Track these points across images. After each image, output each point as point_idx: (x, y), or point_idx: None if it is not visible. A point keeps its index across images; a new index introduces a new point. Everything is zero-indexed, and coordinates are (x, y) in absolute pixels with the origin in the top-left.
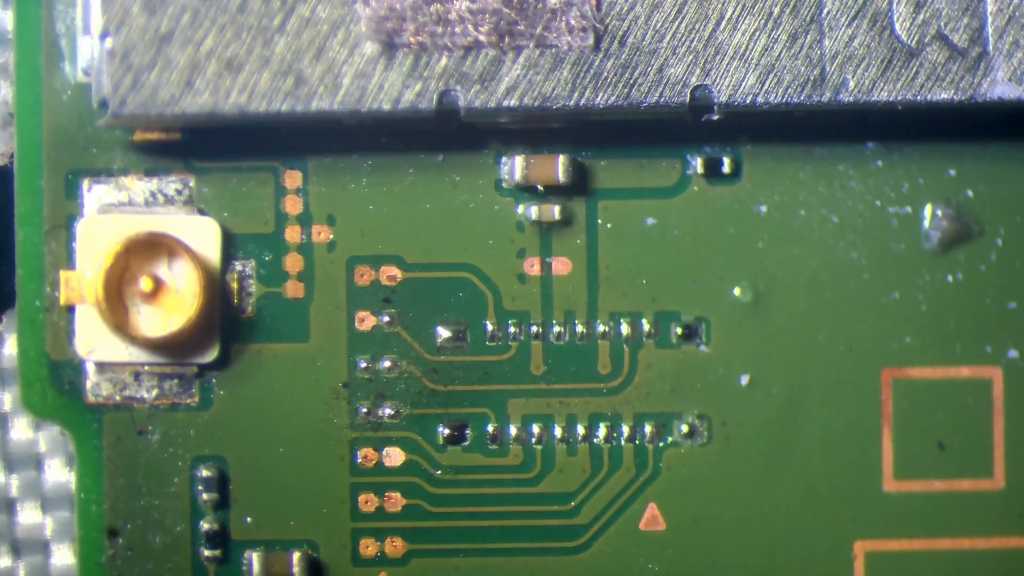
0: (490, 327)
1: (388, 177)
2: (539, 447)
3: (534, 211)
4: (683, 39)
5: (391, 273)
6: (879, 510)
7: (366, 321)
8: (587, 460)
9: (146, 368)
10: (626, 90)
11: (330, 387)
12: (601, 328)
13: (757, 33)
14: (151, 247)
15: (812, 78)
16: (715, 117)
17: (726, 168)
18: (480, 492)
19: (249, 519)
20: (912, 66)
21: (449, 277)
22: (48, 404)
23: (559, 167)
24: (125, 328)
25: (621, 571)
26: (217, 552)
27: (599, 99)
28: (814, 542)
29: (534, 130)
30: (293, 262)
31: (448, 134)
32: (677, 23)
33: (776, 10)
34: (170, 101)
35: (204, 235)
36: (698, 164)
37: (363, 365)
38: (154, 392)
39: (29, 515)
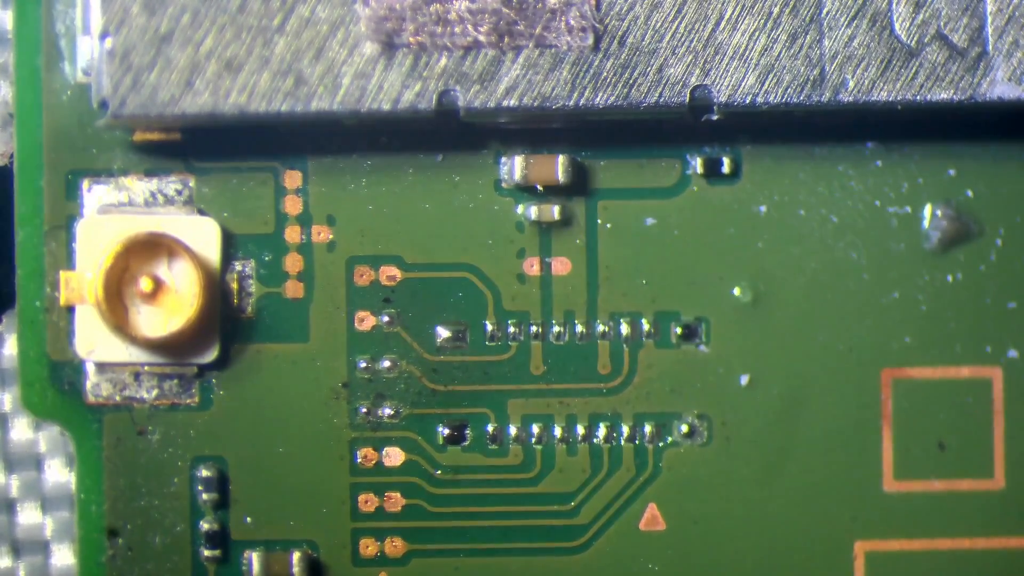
0: (490, 327)
1: (388, 177)
2: (539, 447)
3: (534, 211)
4: (683, 39)
5: (391, 273)
6: (879, 510)
7: (366, 321)
8: (587, 460)
9: (146, 368)
10: (626, 90)
11: (330, 387)
12: (601, 328)
13: (757, 33)
14: (151, 247)
15: (812, 78)
16: (715, 117)
17: (726, 168)
18: (480, 492)
19: (249, 519)
20: (912, 66)
21: (449, 277)
22: (48, 404)
23: (559, 167)
24: (125, 328)
25: (621, 571)
26: (217, 552)
27: (599, 99)
28: (814, 542)
29: (534, 130)
30: (293, 262)
31: (448, 134)
32: (677, 23)
33: (776, 10)
34: (170, 101)
35: (204, 235)
36: (698, 164)
37: (363, 365)
38: (154, 392)
39: (29, 515)
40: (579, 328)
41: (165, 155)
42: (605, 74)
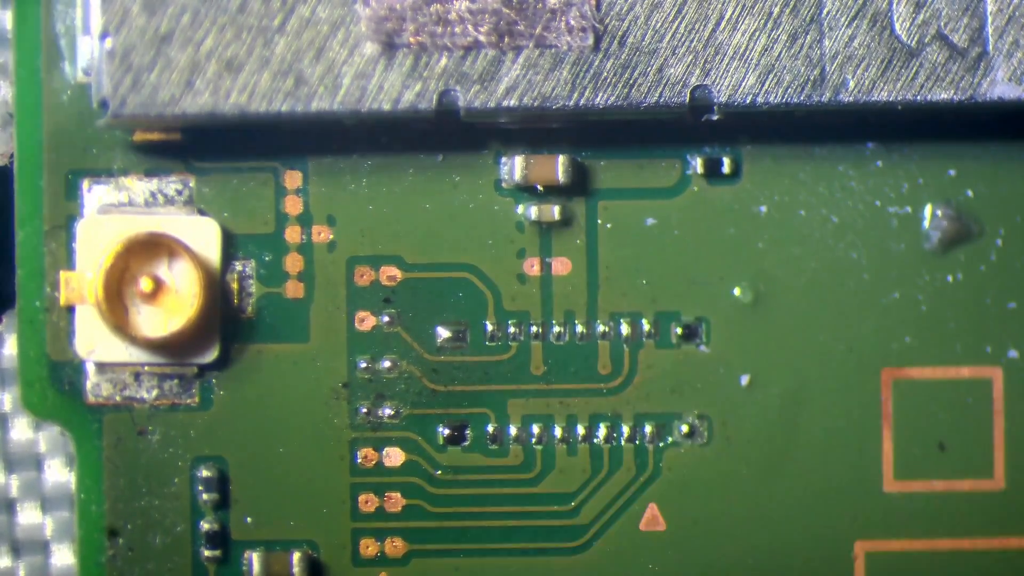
0: (490, 327)
1: (388, 177)
2: (539, 447)
3: (534, 211)
4: (683, 39)
5: (391, 273)
6: (879, 510)
7: (366, 321)
8: (587, 460)
9: (146, 368)
10: (626, 90)
11: (330, 387)
12: (601, 328)
13: (757, 33)
14: (151, 247)
15: (812, 78)
16: (715, 117)
17: (726, 168)
18: (480, 492)
19: (249, 519)
20: (912, 66)
21: (449, 277)
22: (48, 404)
23: (559, 167)
24: (125, 328)
25: (621, 571)
26: (217, 552)
27: (599, 99)
28: (814, 542)
29: (534, 130)
30: (293, 262)
31: (448, 134)
32: (677, 23)
33: (776, 10)
34: (170, 101)
35: (204, 235)
36: (698, 164)
37: (363, 365)
38: (154, 392)
39: (29, 515)
40: (579, 328)
41: (165, 155)
42: (605, 74)
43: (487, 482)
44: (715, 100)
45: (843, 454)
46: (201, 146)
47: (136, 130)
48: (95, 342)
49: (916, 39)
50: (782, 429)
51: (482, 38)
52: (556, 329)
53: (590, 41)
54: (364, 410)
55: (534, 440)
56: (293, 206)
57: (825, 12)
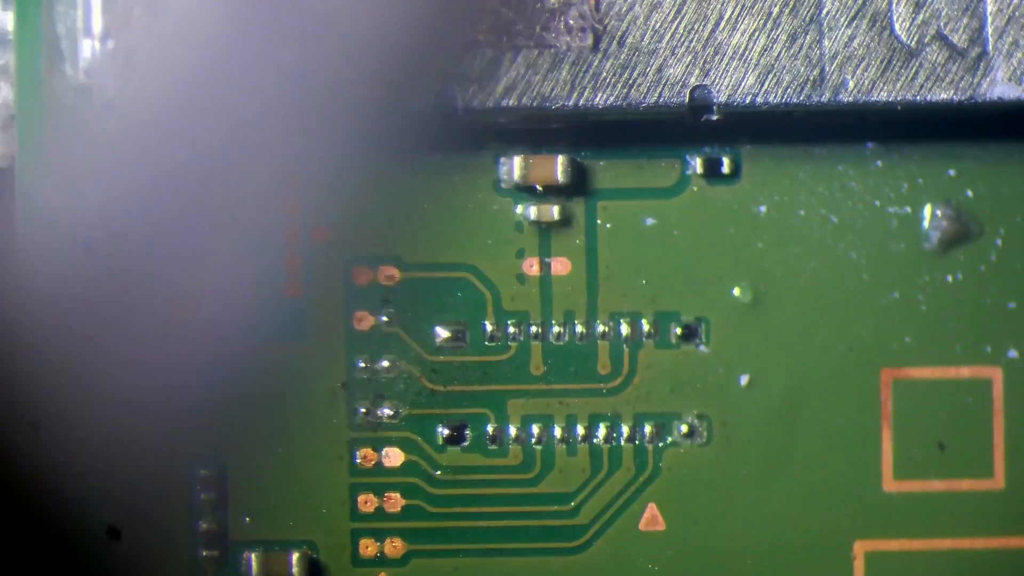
0: (489, 327)
1: (386, 177)
2: (539, 447)
3: (533, 211)
4: (682, 39)
5: (389, 273)
6: (879, 510)
7: (365, 321)
8: (587, 460)
9: None
10: (625, 90)
11: (329, 387)
12: (601, 328)
13: (756, 33)
14: None
15: (812, 78)
16: (714, 117)
17: (726, 168)
18: (480, 492)
19: (248, 519)
20: (912, 66)
21: (448, 277)
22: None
23: (558, 167)
24: None
25: (621, 571)
26: (216, 552)
27: (598, 99)
28: (814, 542)
29: (533, 130)
30: (292, 262)
31: (446, 134)
32: (676, 23)
33: (775, 10)
34: None
35: None
36: (697, 164)
37: (362, 365)
38: None
39: None
40: (579, 328)
41: None
42: (604, 74)
43: (487, 482)
44: (715, 100)
45: (843, 454)
46: None
47: None
48: None
49: (916, 39)
50: (782, 429)
51: (481, 38)
52: (555, 329)
53: (589, 41)
54: (363, 410)
55: (534, 440)
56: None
57: (825, 12)
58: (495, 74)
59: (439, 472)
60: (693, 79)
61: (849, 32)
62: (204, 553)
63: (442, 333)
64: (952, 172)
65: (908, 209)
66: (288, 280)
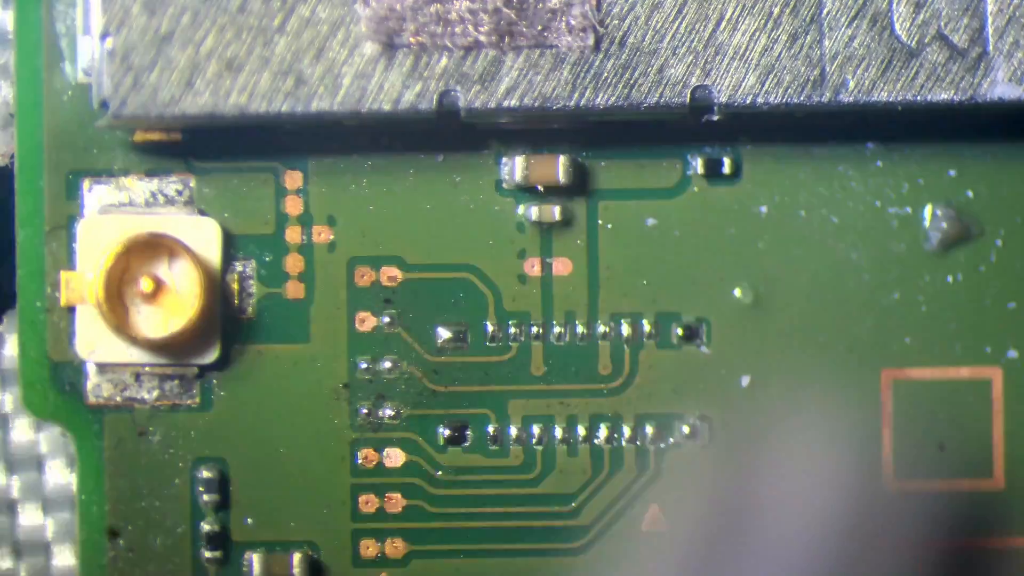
0: (490, 328)
1: (388, 177)
2: (540, 448)
3: (534, 212)
4: (683, 39)
5: (391, 274)
6: (879, 510)
7: (366, 322)
8: (588, 461)
9: (147, 369)
10: (626, 90)
11: (331, 388)
12: (602, 329)
13: (757, 33)
14: (151, 248)
15: (812, 78)
16: (715, 117)
17: (726, 168)
18: (481, 493)
19: (250, 520)
20: (912, 66)
21: (449, 278)
22: (49, 405)
23: (559, 167)
24: (126, 329)
25: (622, 572)
26: (218, 553)
27: (599, 99)
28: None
29: (534, 130)
30: (294, 263)
31: (448, 135)
32: (677, 23)
33: (776, 10)
34: (170, 102)
35: (204, 236)
36: (698, 164)
37: (363, 366)
38: (155, 393)
39: (30, 516)
40: (580, 329)
41: (165, 155)
42: (606, 74)
43: (488, 483)
44: (715, 100)
45: (843, 454)
46: (201, 146)
47: (136, 130)
48: (96, 343)
49: (916, 39)
50: (782, 429)
51: (482, 38)
52: (557, 330)
53: (590, 41)
54: (365, 411)
55: (535, 441)
56: (293, 206)
57: (825, 12)
58: (497, 74)
59: (440, 473)
60: (694, 79)
61: (849, 32)
62: (206, 554)
63: (443, 333)
64: (952, 172)
65: (908, 209)
66: (290, 281)
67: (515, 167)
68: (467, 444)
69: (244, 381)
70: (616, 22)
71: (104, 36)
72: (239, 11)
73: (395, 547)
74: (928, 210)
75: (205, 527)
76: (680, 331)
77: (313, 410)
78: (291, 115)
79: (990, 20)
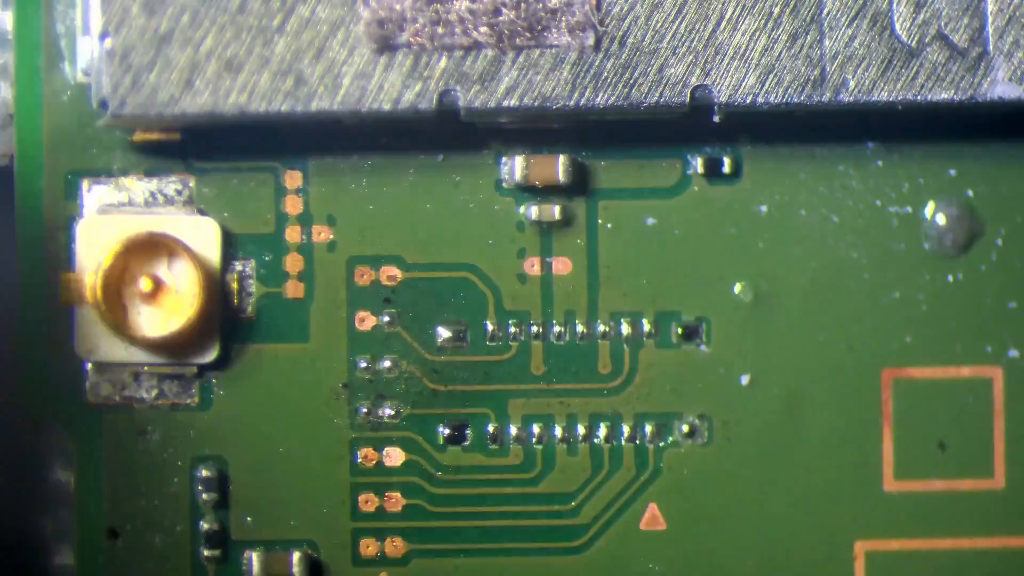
0: (490, 327)
1: (388, 177)
2: (539, 447)
3: (534, 211)
4: (683, 39)
5: (391, 273)
6: (879, 510)
7: (366, 321)
8: (587, 460)
9: (146, 368)
10: (626, 90)
11: (330, 387)
12: (601, 328)
13: (757, 33)
14: (151, 247)
15: (812, 78)
16: (715, 117)
17: (726, 168)
18: (480, 492)
19: (249, 519)
20: (912, 66)
21: (449, 277)
22: (49, 405)
23: (559, 167)
24: (125, 329)
25: (622, 571)
26: (217, 552)
27: (599, 99)
28: (814, 542)
29: (534, 130)
30: (293, 262)
31: (448, 134)
32: (677, 23)
33: (776, 10)
34: (170, 101)
35: (204, 235)
36: (698, 164)
37: (363, 365)
38: (154, 392)
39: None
40: (580, 328)
41: (165, 155)
42: (606, 74)
43: (487, 482)
44: (715, 100)
45: (843, 454)
46: (201, 146)
47: (136, 130)
48: (95, 342)
49: (916, 39)
50: (783, 429)
51: (482, 38)
52: (556, 329)
53: (590, 41)
54: (364, 410)
55: (534, 440)
56: (293, 206)
57: (825, 12)
58: (496, 74)
59: (440, 472)
60: (694, 79)
61: (850, 32)
62: (205, 553)
63: (443, 333)
64: (953, 172)
65: (909, 209)
66: (289, 280)
67: (515, 167)
68: (467, 443)
69: (243, 380)
70: (616, 22)
71: (103, 36)
72: (239, 11)
73: (395, 546)
74: (928, 210)
75: (204, 526)
76: (680, 330)
77: (313, 409)
78: (291, 115)
79: (990, 20)
